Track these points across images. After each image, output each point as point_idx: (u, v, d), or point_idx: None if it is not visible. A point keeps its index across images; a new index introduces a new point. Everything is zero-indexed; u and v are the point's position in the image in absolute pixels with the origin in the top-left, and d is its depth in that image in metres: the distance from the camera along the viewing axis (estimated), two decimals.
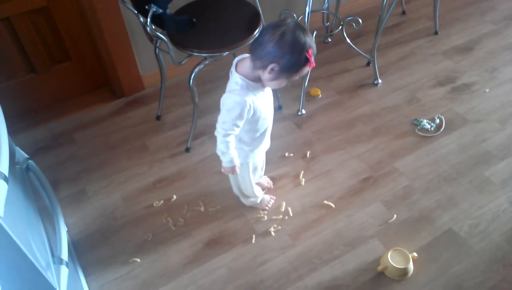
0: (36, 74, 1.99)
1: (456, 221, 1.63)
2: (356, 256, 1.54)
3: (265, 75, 1.18)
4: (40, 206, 1.36)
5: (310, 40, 1.14)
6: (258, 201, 1.67)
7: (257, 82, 1.23)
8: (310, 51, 1.13)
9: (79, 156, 1.92)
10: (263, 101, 1.30)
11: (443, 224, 1.62)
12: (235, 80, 1.24)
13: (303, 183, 1.77)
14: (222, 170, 1.40)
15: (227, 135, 1.28)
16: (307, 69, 1.18)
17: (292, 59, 1.13)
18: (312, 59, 1.14)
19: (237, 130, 1.28)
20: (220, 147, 1.32)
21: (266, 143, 1.48)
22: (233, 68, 1.27)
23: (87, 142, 1.98)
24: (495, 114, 2.00)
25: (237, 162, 1.36)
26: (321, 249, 1.56)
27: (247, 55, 1.23)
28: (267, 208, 1.69)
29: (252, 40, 1.64)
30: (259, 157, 1.52)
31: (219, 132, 1.29)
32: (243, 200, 1.67)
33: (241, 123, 1.27)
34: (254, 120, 1.31)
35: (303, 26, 1.17)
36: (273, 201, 1.71)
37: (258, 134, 1.38)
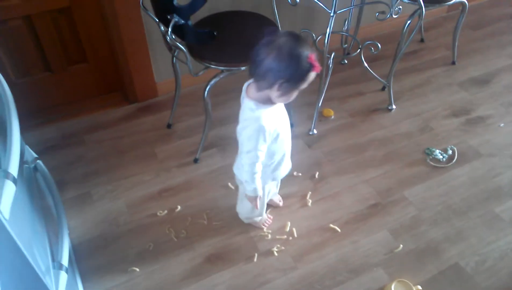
0: (51, 73, 2.00)
1: (463, 256, 1.59)
2: (359, 284, 1.51)
3: (274, 92, 1.15)
4: (44, 205, 1.35)
5: (307, 46, 1.11)
6: (258, 220, 1.65)
7: (267, 103, 1.21)
8: (311, 56, 1.10)
9: (87, 158, 1.91)
10: (279, 122, 1.28)
11: (450, 258, 1.59)
12: (249, 106, 1.21)
13: (310, 204, 1.75)
14: (246, 197, 1.38)
15: (253, 164, 1.26)
16: (313, 75, 1.14)
17: (296, 69, 1.10)
18: (316, 62, 1.11)
19: (262, 156, 1.25)
20: (245, 177, 1.30)
21: (285, 167, 1.45)
22: (243, 94, 1.25)
23: (97, 144, 1.97)
24: (508, 150, 1.97)
25: (260, 193, 1.34)
26: (324, 273, 1.53)
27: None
28: (264, 227, 1.66)
29: None
30: (276, 181, 1.52)
31: (245, 162, 1.26)
32: (242, 217, 1.65)
33: (264, 148, 1.24)
34: (272, 143, 1.28)
35: (295, 33, 1.14)
36: (270, 220, 1.68)
37: (277, 158, 1.36)
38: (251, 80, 1.23)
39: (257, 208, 1.40)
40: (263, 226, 1.66)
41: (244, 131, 1.22)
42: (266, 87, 1.15)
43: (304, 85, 1.16)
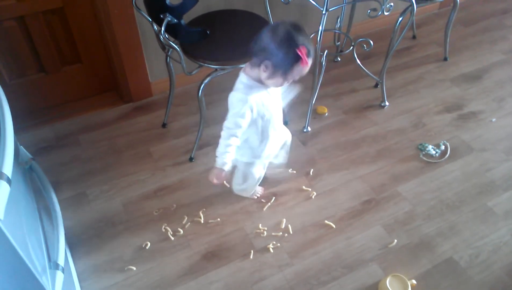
0: (46, 73, 2.00)
1: (456, 250, 1.61)
2: (354, 279, 1.52)
3: (262, 72, 1.21)
4: (39, 206, 1.35)
5: (304, 39, 1.15)
6: (250, 194, 1.71)
7: (260, 82, 1.26)
8: (302, 49, 1.13)
9: (82, 159, 1.92)
10: (268, 102, 1.31)
11: (443, 252, 1.60)
12: (240, 79, 1.28)
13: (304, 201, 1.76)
14: (210, 175, 1.39)
15: (229, 136, 1.30)
16: (301, 69, 1.17)
17: (282, 55, 1.14)
18: (305, 57, 1.14)
19: (239, 132, 1.29)
20: (219, 148, 1.34)
21: (279, 139, 1.52)
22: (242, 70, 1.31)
23: (92, 145, 1.98)
24: (500, 144, 2.00)
25: (226, 168, 1.36)
26: (319, 269, 1.55)
27: None
28: (255, 197, 1.73)
29: None
30: (270, 154, 1.56)
31: (223, 131, 1.31)
32: (236, 189, 1.71)
33: (243, 123, 1.27)
34: (258, 121, 1.33)
35: (299, 25, 1.17)
36: (262, 191, 1.75)
37: (263, 137, 1.42)
38: None
39: (218, 182, 1.38)
40: (254, 197, 1.73)
41: (229, 98, 1.28)
42: (256, 65, 1.21)
43: (291, 76, 1.20)
